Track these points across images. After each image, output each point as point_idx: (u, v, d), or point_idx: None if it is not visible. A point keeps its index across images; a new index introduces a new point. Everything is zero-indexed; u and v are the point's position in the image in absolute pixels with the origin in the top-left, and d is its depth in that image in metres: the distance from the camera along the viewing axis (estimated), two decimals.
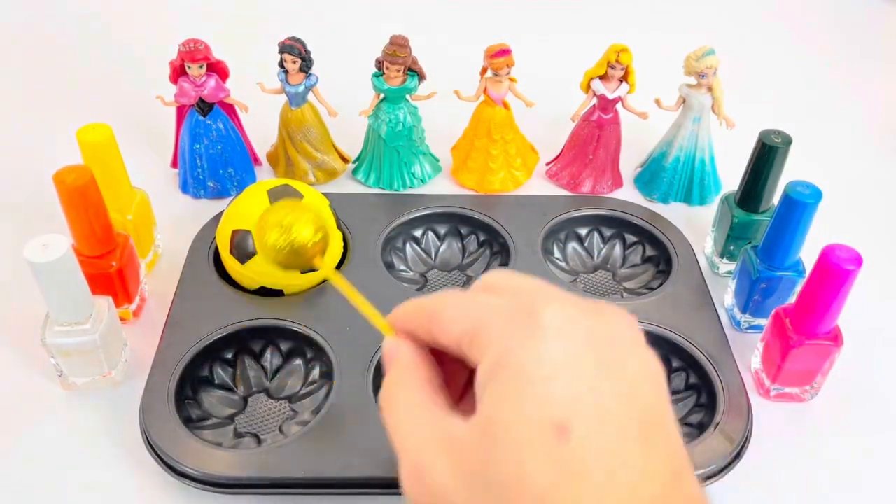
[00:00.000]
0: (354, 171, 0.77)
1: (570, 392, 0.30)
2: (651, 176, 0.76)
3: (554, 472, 0.29)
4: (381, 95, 0.71)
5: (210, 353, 0.57)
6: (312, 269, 0.46)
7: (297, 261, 0.45)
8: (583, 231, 0.71)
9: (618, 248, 0.70)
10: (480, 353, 0.32)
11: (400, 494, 0.51)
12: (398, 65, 0.68)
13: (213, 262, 0.64)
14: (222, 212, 0.63)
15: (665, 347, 0.59)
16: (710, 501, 0.32)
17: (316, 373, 0.58)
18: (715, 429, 0.53)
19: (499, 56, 0.68)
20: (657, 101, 0.73)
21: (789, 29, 1.11)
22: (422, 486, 0.33)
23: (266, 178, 0.76)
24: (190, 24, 0.99)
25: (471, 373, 0.34)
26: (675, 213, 0.73)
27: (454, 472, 0.32)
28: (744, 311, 0.62)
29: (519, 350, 0.31)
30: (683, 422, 0.56)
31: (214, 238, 0.64)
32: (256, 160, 0.77)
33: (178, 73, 0.69)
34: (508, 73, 0.70)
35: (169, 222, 0.70)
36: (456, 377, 0.37)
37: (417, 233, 0.70)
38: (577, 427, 0.29)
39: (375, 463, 0.50)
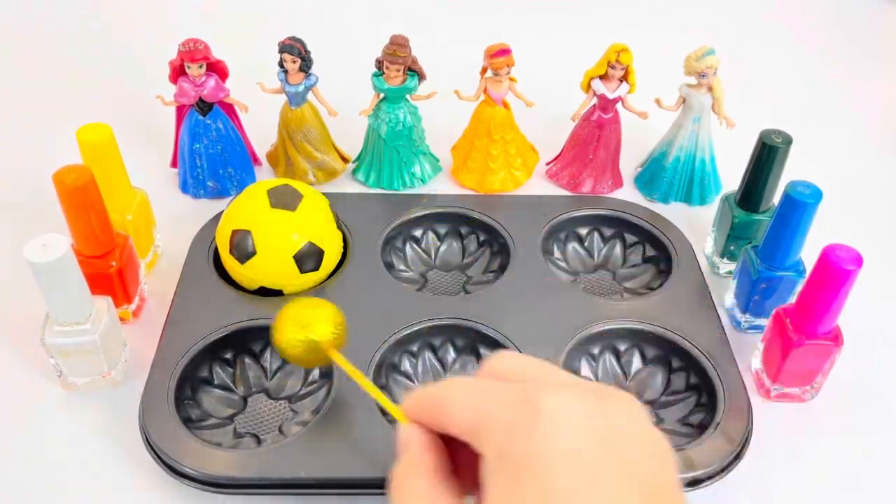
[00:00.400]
0: (354, 171, 0.77)
1: (574, 485, 0.30)
2: (651, 176, 0.76)
3: None
4: (381, 95, 0.71)
5: (210, 353, 0.57)
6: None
7: (314, 356, 0.48)
8: (583, 231, 0.71)
9: (618, 248, 0.70)
10: (485, 445, 0.33)
11: None
12: (398, 65, 0.68)
13: (212, 262, 0.64)
14: (222, 212, 0.63)
15: (665, 347, 0.59)
16: None
17: (316, 373, 0.58)
18: (715, 429, 0.53)
19: (499, 56, 0.68)
20: (657, 101, 0.73)
21: (789, 29, 1.11)
22: None
23: (266, 178, 0.76)
24: (190, 24, 0.99)
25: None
26: (675, 213, 0.73)
27: None
28: (744, 311, 0.62)
29: (521, 444, 0.31)
30: (684, 422, 0.56)
31: (214, 238, 0.64)
32: (256, 160, 0.77)
33: (178, 72, 0.69)
34: (508, 73, 0.70)
35: (169, 222, 0.70)
36: (470, 460, 0.37)
37: (417, 233, 0.70)
38: None
39: (375, 463, 0.50)
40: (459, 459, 0.38)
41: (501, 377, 0.36)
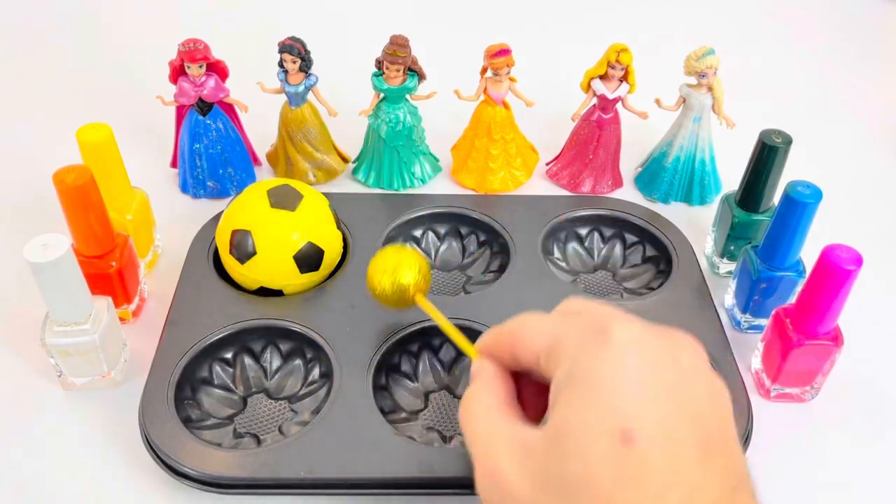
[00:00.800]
0: (354, 171, 0.77)
1: (636, 403, 0.32)
2: (651, 176, 0.76)
3: (617, 475, 0.31)
4: (381, 95, 0.71)
5: (210, 353, 0.57)
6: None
7: (401, 299, 0.53)
8: (583, 231, 0.71)
9: (618, 248, 0.70)
10: (556, 365, 0.35)
11: (398, 494, 0.51)
12: (398, 65, 0.68)
13: (212, 262, 0.64)
14: (222, 212, 0.63)
15: None
16: None
17: (316, 373, 0.58)
18: None
19: (499, 56, 0.68)
20: (657, 101, 0.73)
21: (789, 29, 1.11)
22: (495, 487, 0.35)
23: (266, 178, 0.76)
24: (190, 24, 1.00)
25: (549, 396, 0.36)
26: (675, 213, 0.73)
27: (525, 475, 0.34)
28: (744, 311, 0.62)
29: (590, 362, 0.34)
30: None
31: (214, 238, 0.64)
32: (256, 160, 0.77)
33: (178, 72, 0.69)
34: (508, 73, 0.70)
35: (169, 222, 0.70)
36: (537, 400, 0.40)
37: (417, 233, 0.70)
38: (640, 435, 0.31)
39: (375, 463, 0.50)
40: (527, 398, 0.40)
41: (573, 314, 0.38)
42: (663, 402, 0.33)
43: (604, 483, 0.31)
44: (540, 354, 0.37)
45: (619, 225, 0.70)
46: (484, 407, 0.38)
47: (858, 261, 0.50)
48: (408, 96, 0.72)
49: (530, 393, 0.40)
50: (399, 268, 0.53)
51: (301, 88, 0.71)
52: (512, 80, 0.71)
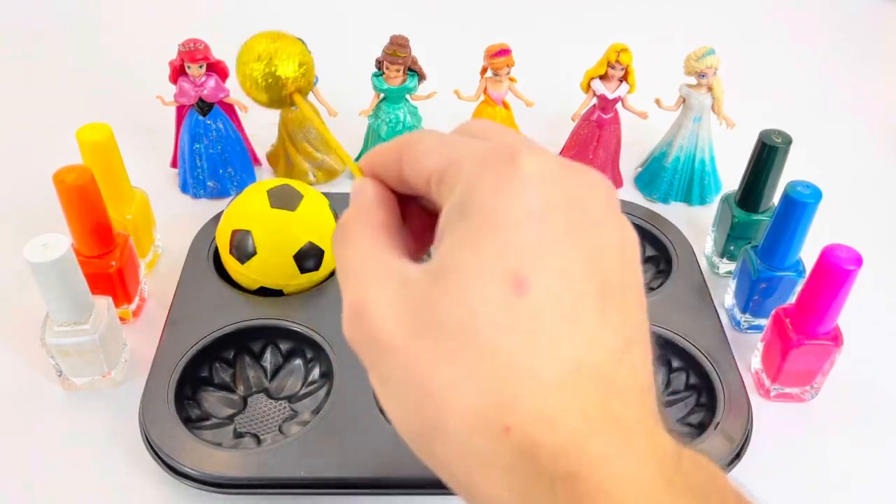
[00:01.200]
0: None
1: (534, 246, 0.28)
2: (651, 176, 0.76)
3: (504, 324, 0.27)
4: (381, 95, 0.71)
5: (210, 353, 0.57)
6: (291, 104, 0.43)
7: (276, 94, 0.42)
8: None
9: None
10: (448, 190, 0.30)
11: (401, 494, 0.51)
12: (398, 65, 0.68)
13: (212, 262, 0.64)
14: (222, 212, 0.63)
15: (666, 347, 0.59)
16: (652, 378, 0.30)
17: (316, 373, 0.58)
18: (715, 429, 0.53)
19: (499, 56, 0.68)
20: (657, 101, 0.73)
21: (789, 29, 1.11)
22: (360, 322, 0.31)
23: (266, 178, 0.76)
24: (190, 24, 1.00)
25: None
26: (675, 212, 0.73)
27: (397, 310, 0.29)
28: (744, 311, 0.62)
29: (489, 193, 0.29)
30: (684, 422, 0.56)
31: (214, 238, 0.64)
32: (256, 160, 0.77)
33: (178, 72, 0.69)
34: (508, 73, 0.70)
35: (169, 222, 0.70)
36: (425, 236, 0.35)
37: None
38: (535, 283, 0.28)
39: (375, 463, 0.50)
40: (414, 230, 0.35)
41: (478, 135, 0.33)
42: (565, 247, 0.28)
43: (488, 332, 0.27)
44: (431, 176, 0.31)
45: None
46: (359, 234, 0.33)
47: (858, 261, 0.50)
48: (408, 96, 0.72)
49: (420, 224, 0.35)
50: (276, 57, 0.42)
51: None
52: (512, 80, 0.71)
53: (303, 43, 0.43)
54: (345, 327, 0.31)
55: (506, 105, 0.73)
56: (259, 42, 0.42)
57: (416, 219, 0.35)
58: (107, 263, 0.58)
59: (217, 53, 0.69)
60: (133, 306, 0.61)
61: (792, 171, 0.62)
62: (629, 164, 0.78)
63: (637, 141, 0.78)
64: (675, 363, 0.59)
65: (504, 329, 0.27)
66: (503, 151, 0.30)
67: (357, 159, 0.77)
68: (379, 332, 0.30)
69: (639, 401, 0.29)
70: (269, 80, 0.42)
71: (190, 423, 0.53)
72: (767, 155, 0.62)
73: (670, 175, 0.75)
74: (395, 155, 0.33)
